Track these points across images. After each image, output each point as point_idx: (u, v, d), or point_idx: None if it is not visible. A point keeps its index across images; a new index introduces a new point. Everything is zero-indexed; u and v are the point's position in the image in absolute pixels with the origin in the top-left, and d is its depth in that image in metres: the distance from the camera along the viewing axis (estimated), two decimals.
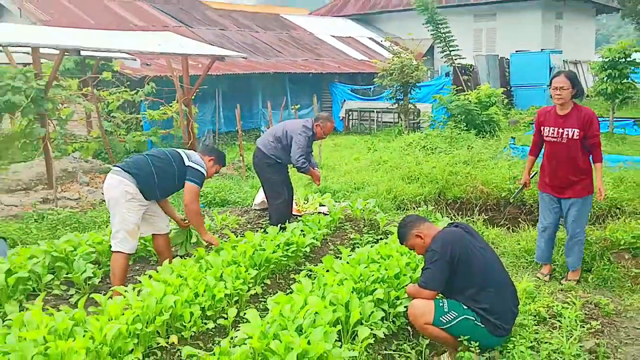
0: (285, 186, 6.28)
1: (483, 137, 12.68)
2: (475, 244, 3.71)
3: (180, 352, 3.51)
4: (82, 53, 10.80)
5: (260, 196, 7.18)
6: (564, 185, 5.14)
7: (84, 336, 3.21)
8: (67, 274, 4.92)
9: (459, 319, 3.53)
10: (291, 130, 6.11)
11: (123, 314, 3.52)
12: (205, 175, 4.99)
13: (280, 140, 6.12)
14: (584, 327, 3.98)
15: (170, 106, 11.56)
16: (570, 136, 5.01)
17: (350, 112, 19.63)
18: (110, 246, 5.04)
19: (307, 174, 6.33)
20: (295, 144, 6.03)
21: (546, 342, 3.69)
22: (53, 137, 9.46)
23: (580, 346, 3.68)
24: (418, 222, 3.86)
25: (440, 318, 3.54)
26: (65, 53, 9.00)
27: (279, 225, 5.85)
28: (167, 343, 3.63)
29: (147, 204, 4.80)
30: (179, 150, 5.03)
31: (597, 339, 3.90)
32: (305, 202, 7.21)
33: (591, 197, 5.22)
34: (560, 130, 5.09)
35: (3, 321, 3.46)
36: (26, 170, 10.33)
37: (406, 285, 4.08)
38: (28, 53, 10.05)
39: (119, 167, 4.74)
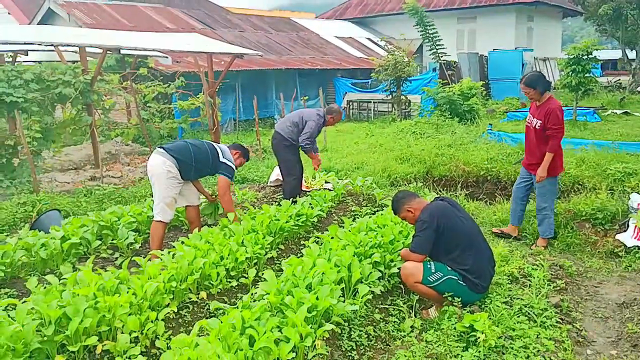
0: (299, 165, 6.28)
1: (465, 124, 12.58)
2: (458, 215, 3.70)
3: (209, 306, 3.54)
4: (122, 52, 10.70)
5: (275, 174, 7.18)
6: (532, 163, 5.15)
7: (127, 292, 3.25)
8: (112, 240, 4.96)
9: (444, 278, 3.53)
10: (307, 117, 6.13)
11: (160, 274, 3.55)
12: (235, 169, 5.08)
13: (297, 125, 6.11)
14: (550, 285, 3.99)
15: (197, 97, 11.50)
16: (534, 125, 5.03)
17: (350, 103, 19.48)
18: (149, 216, 5.07)
19: (308, 155, 6.27)
20: (307, 127, 6.05)
21: (518, 298, 3.69)
22: (98, 124, 9.44)
23: (547, 301, 3.68)
24: (409, 198, 3.84)
25: (428, 277, 3.55)
26: (108, 52, 8.93)
27: (291, 199, 5.86)
28: (198, 298, 3.66)
29: (183, 182, 4.83)
30: (215, 145, 5.05)
31: (561, 295, 3.91)
32: (313, 179, 7.19)
33: (555, 179, 5.18)
34: (532, 119, 5.11)
35: (59, 280, 3.49)
36: (76, 153, 10.38)
37: (399, 250, 4.08)
38: (76, 52, 10.00)
39: (163, 148, 4.74)
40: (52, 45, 7.69)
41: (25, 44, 7.61)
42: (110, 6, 18.03)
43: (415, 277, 3.58)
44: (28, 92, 7.55)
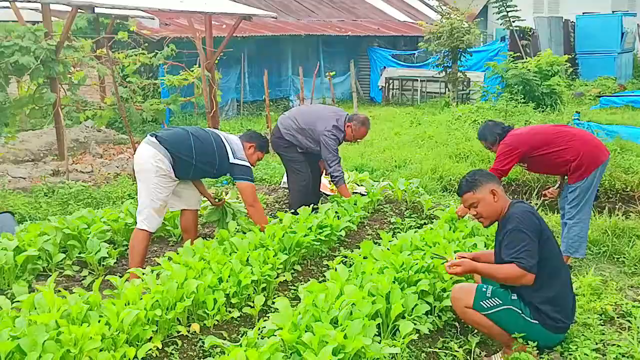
0: (308, 166, 6.17)
1: (543, 111, 12.47)
2: (546, 227, 3.64)
3: (203, 342, 3.56)
4: (96, 11, 10.89)
5: None
6: None
7: (99, 321, 3.28)
8: (79, 253, 5.02)
9: (501, 307, 3.48)
10: (319, 127, 5.92)
11: (141, 299, 3.59)
12: (251, 167, 5.14)
13: (303, 131, 5.99)
14: None
15: (192, 71, 11.58)
16: None
17: (390, 81, 19.43)
18: (127, 224, 5.12)
19: (338, 189, 6.13)
20: (326, 148, 5.90)
21: (614, 344, 3.63)
22: (64, 103, 9.59)
23: None
24: (496, 180, 3.76)
25: (481, 302, 3.51)
26: (79, 10, 9.08)
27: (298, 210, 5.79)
28: (189, 331, 3.68)
29: (178, 180, 4.89)
30: (223, 138, 5.07)
31: None
32: None
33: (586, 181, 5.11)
34: None
35: (12, 303, 3.54)
36: (35, 140, 10.55)
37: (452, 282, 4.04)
38: (38, 10, 10.18)
39: (156, 138, 4.77)
40: (7, 0, 7.85)
41: None
42: None
43: (465, 300, 3.55)
44: None
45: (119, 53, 11.66)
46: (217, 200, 5.54)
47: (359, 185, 7.02)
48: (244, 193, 5.07)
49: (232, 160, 4.97)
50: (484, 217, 3.67)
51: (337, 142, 5.97)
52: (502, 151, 5.13)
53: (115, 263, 5.08)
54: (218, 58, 10.91)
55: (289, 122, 6.10)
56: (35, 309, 3.38)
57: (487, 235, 4.92)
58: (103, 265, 4.94)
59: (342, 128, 5.98)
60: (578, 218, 5.13)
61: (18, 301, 3.53)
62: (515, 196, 7.52)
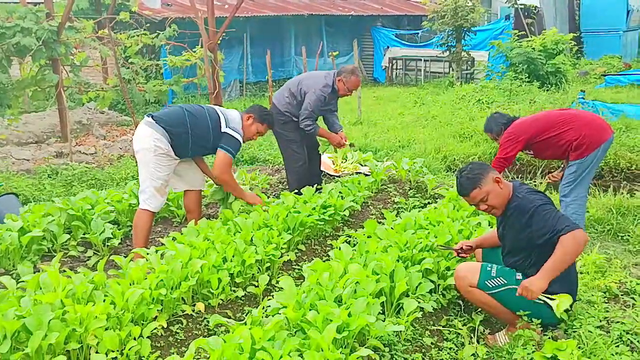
0: (305, 146, 6.09)
1: (547, 90, 12.40)
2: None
3: (208, 321, 3.58)
4: None
5: None
6: None
7: (104, 301, 3.30)
8: (84, 234, 5.04)
9: (506, 287, 3.48)
10: (306, 86, 5.87)
11: (146, 279, 3.61)
12: (241, 142, 4.97)
13: (294, 96, 5.91)
14: None
15: (194, 52, 11.54)
16: None
17: (394, 61, 19.34)
18: (131, 205, 5.11)
19: (315, 136, 6.08)
20: (306, 101, 5.81)
21: (618, 322, 3.63)
22: (66, 84, 9.57)
23: None
24: (491, 168, 3.70)
25: (486, 282, 3.51)
26: None
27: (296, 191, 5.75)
28: (193, 311, 3.70)
29: (179, 159, 4.86)
30: (219, 110, 5.01)
31: None
32: (344, 161, 7.18)
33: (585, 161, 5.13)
34: None
35: (17, 283, 3.56)
36: (38, 121, 10.56)
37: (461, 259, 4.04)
38: None
39: (153, 118, 4.76)
40: None
41: None
42: None
43: (469, 279, 3.55)
44: None
45: (120, 34, 11.61)
46: None
47: (362, 166, 7.01)
48: (217, 161, 4.88)
49: (223, 129, 4.88)
50: (497, 207, 3.58)
51: (319, 98, 5.80)
52: (505, 139, 5.15)
53: (119, 243, 5.10)
54: (220, 38, 10.84)
55: (282, 94, 6.03)
56: (41, 288, 3.40)
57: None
58: (107, 245, 4.96)
59: (332, 84, 5.86)
60: (574, 196, 5.13)
61: (23, 281, 3.55)
62: (520, 175, 7.50)
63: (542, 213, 3.38)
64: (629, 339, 3.48)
